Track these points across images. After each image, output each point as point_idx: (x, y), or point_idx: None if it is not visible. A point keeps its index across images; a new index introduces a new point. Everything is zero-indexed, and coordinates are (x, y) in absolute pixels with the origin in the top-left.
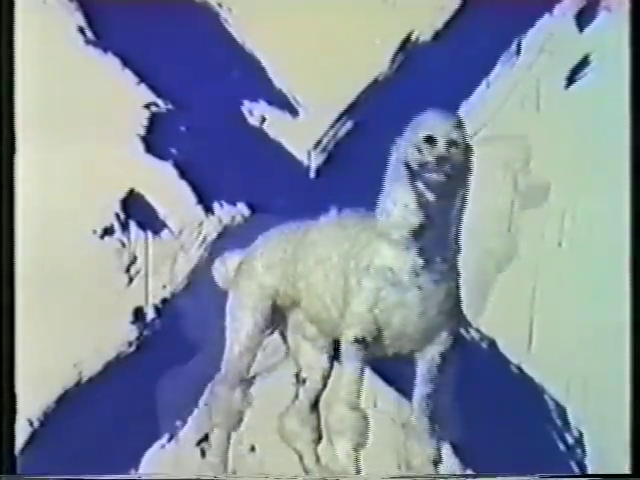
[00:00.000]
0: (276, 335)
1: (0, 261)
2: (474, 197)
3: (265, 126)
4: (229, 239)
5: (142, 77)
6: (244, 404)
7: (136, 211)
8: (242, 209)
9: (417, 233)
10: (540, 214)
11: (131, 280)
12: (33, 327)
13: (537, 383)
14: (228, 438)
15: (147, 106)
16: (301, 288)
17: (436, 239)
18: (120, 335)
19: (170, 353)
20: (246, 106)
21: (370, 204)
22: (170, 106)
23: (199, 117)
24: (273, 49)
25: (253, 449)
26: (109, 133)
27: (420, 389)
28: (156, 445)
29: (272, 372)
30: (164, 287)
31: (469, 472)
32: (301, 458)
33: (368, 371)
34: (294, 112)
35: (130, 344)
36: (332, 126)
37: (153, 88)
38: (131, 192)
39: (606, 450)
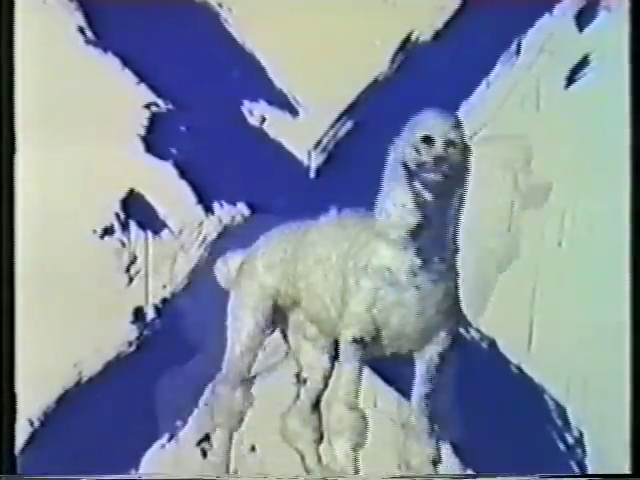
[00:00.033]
0: (276, 335)
1: (0, 261)
2: (474, 197)
3: (265, 126)
4: (229, 239)
5: (142, 77)
6: (245, 404)
7: (136, 211)
8: (242, 209)
9: (415, 233)
10: (540, 214)
11: (131, 280)
12: (33, 327)
13: (537, 383)
14: (230, 438)
15: (147, 106)
16: (301, 288)
17: (434, 239)
18: (120, 335)
19: (170, 353)
20: (246, 106)
21: (370, 204)
22: (170, 106)
23: (199, 117)
24: (273, 49)
25: (253, 449)
26: (109, 133)
27: (419, 389)
28: (156, 445)
29: (272, 372)
30: (164, 287)
31: (469, 472)
32: (303, 458)
33: (368, 371)
34: (294, 112)
35: (130, 344)
36: (332, 126)
37: (153, 88)
38: (131, 192)
39: (606, 450)
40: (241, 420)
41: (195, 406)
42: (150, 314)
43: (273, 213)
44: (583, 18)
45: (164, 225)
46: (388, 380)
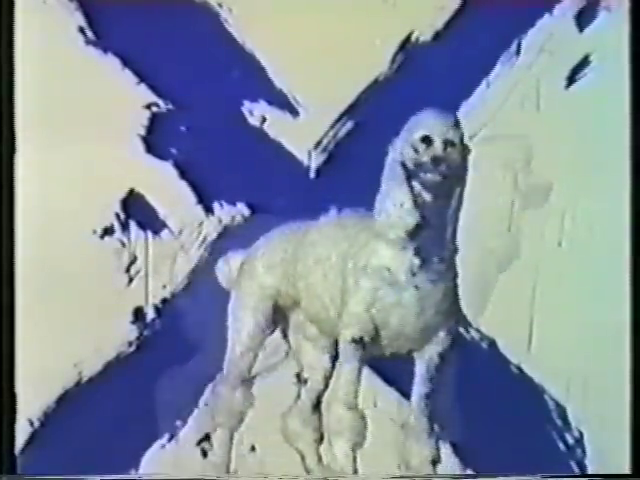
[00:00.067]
0: (276, 335)
1: (0, 261)
2: (474, 197)
3: (265, 126)
4: (229, 239)
5: (142, 77)
6: (246, 404)
7: (136, 211)
8: (242, 209)
9: (413, 233)
10: (540, 214)
11: (131, 280)
12: (33, 327)
13: (537, 383)
14: (231, 438)
15: (147, 106)
16: (301, 288)
17: (433, 239)
18: (120, 335)
19: (170, 353)
20: (246, 106)
21: (370, 204)
22: (170, 106)
23: (199, 117)
24: (273, 49)
25: (253, 449)
26: (109, 133)
27: (419, 389)
28: (156, 445)
29: (272, 372)
30: (164, 287)
31: (469, 472)
32: (303, 458)
33: (368, 371)
34: (294, 112)
35: (130, 344)
36: (332, 126)
37: (153, 88)
38: (131, 192)
39: (606, 450)
40: (241, 420)
41: (195, 406)
42: (150, 314)
43: (273, 213)
44: (583, 18)
45: (164, 225)
46: (388, 380)
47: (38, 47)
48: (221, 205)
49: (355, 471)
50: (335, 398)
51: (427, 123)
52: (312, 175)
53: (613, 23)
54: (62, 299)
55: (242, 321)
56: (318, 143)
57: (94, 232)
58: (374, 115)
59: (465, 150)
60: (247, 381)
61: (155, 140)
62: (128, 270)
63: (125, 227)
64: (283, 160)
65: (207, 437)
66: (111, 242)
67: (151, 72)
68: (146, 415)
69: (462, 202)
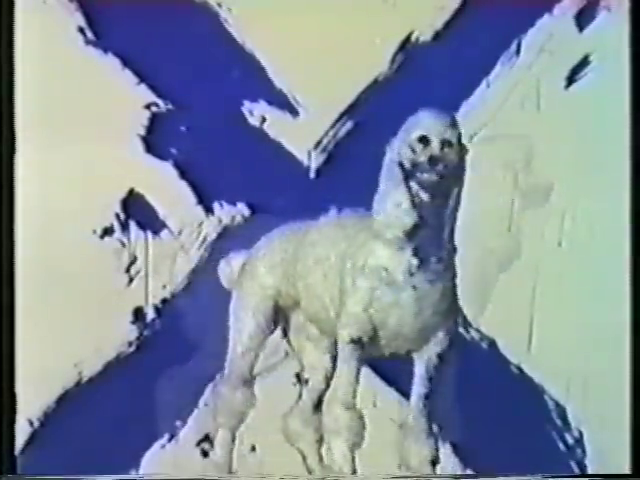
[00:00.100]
0: (276, 335)
1: (0, 261)
2: (474, 197)
3: (265, 126)
4: (229, 239)
5: (142, 77)
6: (248, 404)
7: (136, 211)
8: (242, 209)
9: (411, 233)
10: (540, 214)
11: (131, 280)
12: (33, 327)
13: (537, 383)
14: (233, 438)
15: (147, 106)
16: (301, 288)
17: (430, 239)
18: (120, 335)
19: (170, 353)
20: (246, 106)
21: (370, 204)
22: (170, 106)
23: (199, 117)
24: (273, 49)
25: (254, 449)
26: (109, 133)
27: (418, 389)
28: (156, 445)
29: (272, 372)
30: (164, 287)
31: (469, 472)
32: (304, 458)
33: (368, 371)
34: (294, 112)
35: (130, 344)
36: (332, 126)
37: (153, 88)
38: (131, 192)
39: (606, 450)
40: (243, 420)
41: (195, 406)
42: (150, 314)
43: (273, 213)
44: (583, 18)
45: (164, 225)
46: (388, 380)
47: (38, 47)
48: (221, 205)
49: (353, 471)
50: (333, 398)
51: (424, 123)
52: (312, 175)
53: (613, 23)
54: (62, 299)
55: (243, 321)
56: (318, 143)
57: (94, 232)
58: (374, 115)
59: (462, 150)
60: (248, 381)
61: (155, 140)
62: (128, 270)
63: (125, 227)
64: (283, 160)
65: (207, 437)
66: (111, 242)
67: (151, 72)
68: (146, 415)
69: (460, 202)
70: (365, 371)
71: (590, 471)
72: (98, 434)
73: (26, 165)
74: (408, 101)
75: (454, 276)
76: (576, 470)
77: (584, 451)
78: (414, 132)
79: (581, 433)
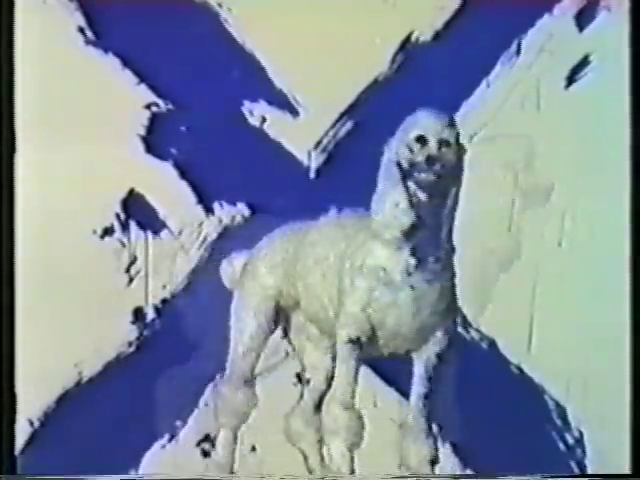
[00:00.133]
0: (276, 335)
1: (0, 261)
2: (474, 197)
3: (265, 126)
4: (229, 239)
5: (142, 77)
6: (249, 404)
7: (136, 211)
8: (242, 209)
9: (409, 233)
10: (540, 214)
11: (131, 280)
12: (33, 327)
13: (537, 383)
14: (235, 438)
15: (147, 106)
16: (301, 288)
17: (428, 239)
18: (120, 335)
19: (170, 353)
20: (246, 106)
21: (370, 204)
22: (170, 106)
23: (199, 117)
24: (273, 49)
25: (254, 449)
26: (109, 133)
27: (417, 389)
28: (156, 445)
29: (272, 372)
30: (164, 287)
31: (469, 472)
32: (306, 459)
33: (368, 371)
34: (294, 112)
35: (130, 344)
36: (332, 126)
37: (153, 88)
38: (131, 192)
39: (606, 450)
40: (245, 420)
41: (195, 406)
42: (150, 314)
43: (273, 213)
44: (583, 18)
45: (164, 225)
46: (388, 380)
47: (38, 47)
48: (221, 205)
49: (352, 471)
50: (332, 398)
51: (422, 123)
52: (312, 175)
53: (613, 23)
54: (62, 299)
55: (244, 321)
56: (318, 143)
57: (94, 232)
58: (374, 115)
59: (460, 150)
60: (249, 381)
61: (155, 140)
62: (128, 270)
63: (125, 227)
64: (283, 160)
65: (207, 437)
66: (111, 242)
67: (151, 72)
68: (146, 415)
69: (458, 202)
70: (365, 371)
71: (590, 471)
72: (98, 434)
73: (26, 165)
74: (408, 101)
75: (452, 276)
76: (576, 470)
77: (584, 451)
78: (412, 132)
79: (581, 433)
